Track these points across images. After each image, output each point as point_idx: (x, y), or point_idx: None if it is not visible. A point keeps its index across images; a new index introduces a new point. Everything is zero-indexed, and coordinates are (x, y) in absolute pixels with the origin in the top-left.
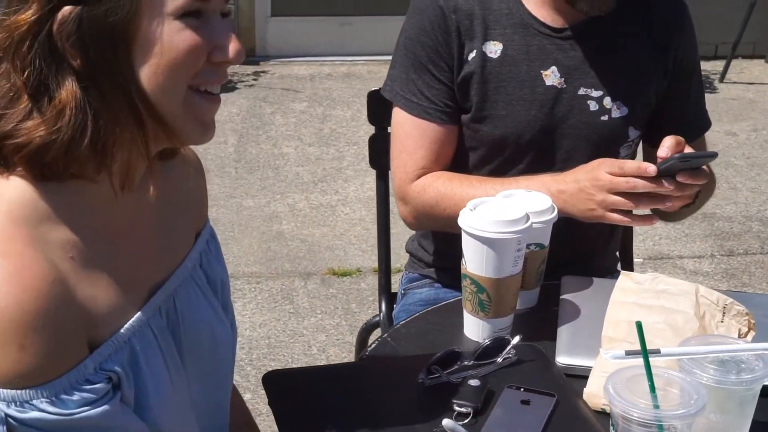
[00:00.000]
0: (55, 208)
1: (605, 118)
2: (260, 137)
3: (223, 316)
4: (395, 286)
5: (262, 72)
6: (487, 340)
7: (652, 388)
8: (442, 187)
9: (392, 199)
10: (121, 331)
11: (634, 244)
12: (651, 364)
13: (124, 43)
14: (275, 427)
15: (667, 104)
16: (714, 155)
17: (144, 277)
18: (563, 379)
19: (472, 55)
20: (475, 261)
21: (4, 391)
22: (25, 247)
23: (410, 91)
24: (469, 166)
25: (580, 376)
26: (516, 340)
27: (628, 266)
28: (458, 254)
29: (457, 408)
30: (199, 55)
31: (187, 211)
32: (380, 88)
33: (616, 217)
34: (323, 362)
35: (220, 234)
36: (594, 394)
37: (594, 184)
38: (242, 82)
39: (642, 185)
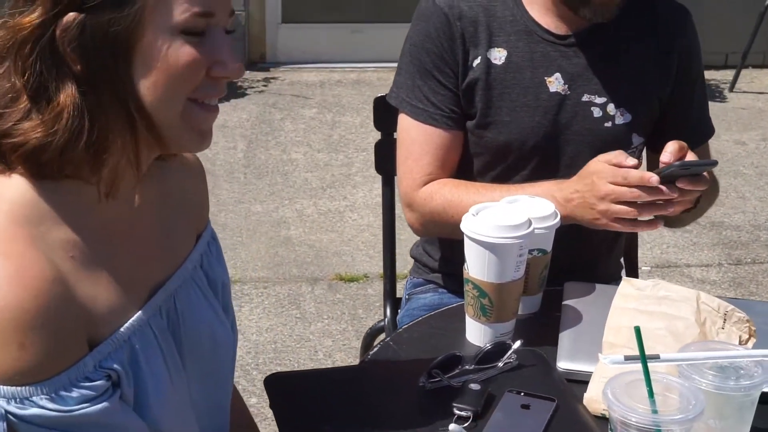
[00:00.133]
0: (55, 208)
1: (609, 124)
2: (269, 143)
3: (223, 317)
4: (401, 291)
5: (272, 78)
6: (488, 345)
7: (651, 393)
8: (449, 194)
9: (399, 205)
10: (121, 330)
11: (641, 252)
12: (650, 369)
13: (126, 53)
14: None
15: (671, 110)
16: (714, 163)
17: (144, 277)
18: (564, 384)
19: (477, 61)
20: (477, 266)
21: (4, 387)
22: (27, 248)
23: (416, 97)
24: (474, 172)
25: (582, 382)
26: (517, 344)
27: (633, 273)
28: (463, 260)
29: (457, 412)
30: (198, 71)
31: (188, 213)
32: (386, 95)
33: (620, 226)
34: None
35: (228, 239)
36: (594, 399)
37: (596, 194)
38: (252, 88)
39: (646, 195)
